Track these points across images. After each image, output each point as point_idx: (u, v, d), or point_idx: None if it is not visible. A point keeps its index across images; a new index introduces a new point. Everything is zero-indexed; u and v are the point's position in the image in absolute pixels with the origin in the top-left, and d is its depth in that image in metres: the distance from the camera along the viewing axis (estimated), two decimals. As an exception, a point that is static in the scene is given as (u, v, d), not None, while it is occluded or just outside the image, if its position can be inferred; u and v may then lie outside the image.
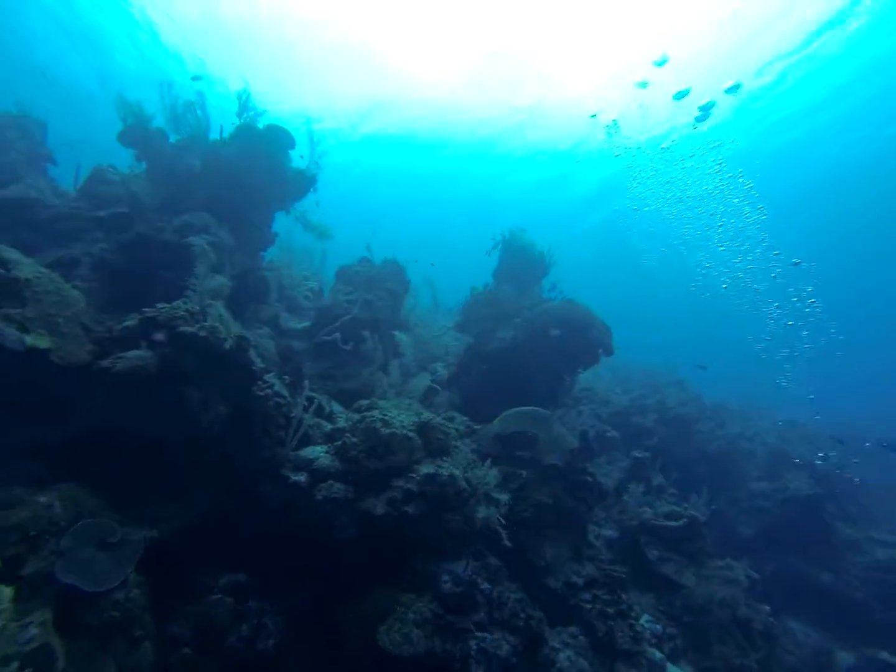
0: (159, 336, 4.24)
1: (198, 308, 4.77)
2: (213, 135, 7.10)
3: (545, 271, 9.20)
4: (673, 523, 6.91)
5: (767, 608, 6.69)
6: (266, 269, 8.10)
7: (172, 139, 7.22)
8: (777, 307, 15.06)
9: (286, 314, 9.08)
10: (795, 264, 14.14)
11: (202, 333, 4.49)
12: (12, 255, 4.42)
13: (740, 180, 14.54)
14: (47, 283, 4.34)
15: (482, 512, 4.97)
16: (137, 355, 4.17)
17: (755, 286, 15.46)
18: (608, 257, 37.32)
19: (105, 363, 4.10)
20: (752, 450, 11.35)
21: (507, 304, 8.29)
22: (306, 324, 8.21)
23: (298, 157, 7.89)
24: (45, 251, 6.29)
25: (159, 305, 4.53)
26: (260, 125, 7.27)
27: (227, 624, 4.48)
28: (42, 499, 3.81)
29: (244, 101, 7.58)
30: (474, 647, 4.67)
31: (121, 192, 6.15)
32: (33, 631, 3.23)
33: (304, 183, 7.55)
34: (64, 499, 3.88)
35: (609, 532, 7.40)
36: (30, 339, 3.87)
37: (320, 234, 8.35)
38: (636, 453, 8.33)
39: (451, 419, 6.89)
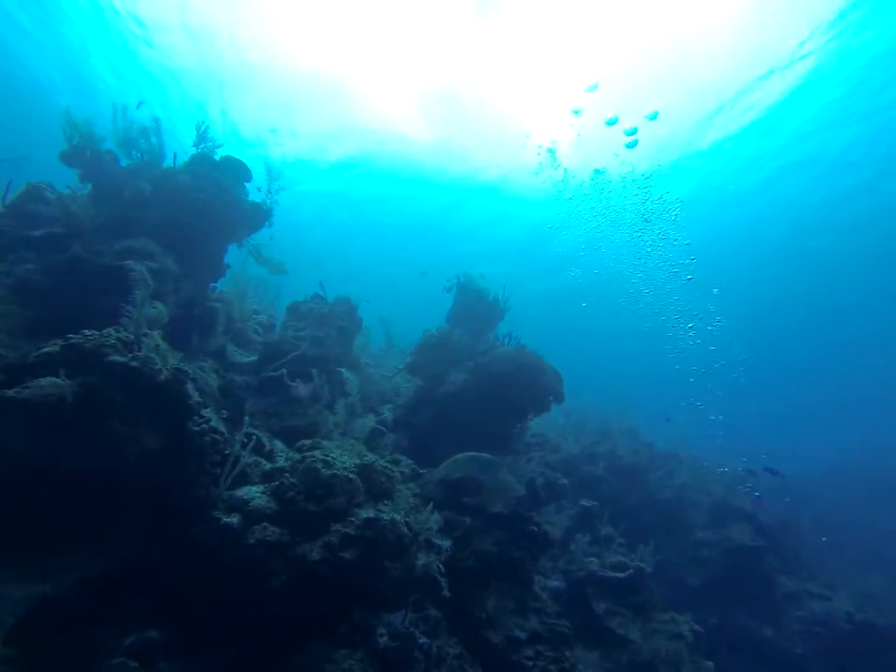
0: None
1: (132, 337, 4.53)
2: (168, 162, 6.99)
3: (500, 316, 9.33)
4: (619, 575, 6.83)
5: (711, 664, 6.60)
6: (215, 300, 7.86)
7: (124, 163, 7.05)
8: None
9: (234, 347, 8.78)
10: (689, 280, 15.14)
11: (134, 364, 4.24)
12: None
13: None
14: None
15: (422, 559, 4.76)
16: (52, 383, 3.87)
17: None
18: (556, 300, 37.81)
19: (10, 392, 3.78)
20: (698, 500, 11.53)
21: (459, 348, 8.30)
22: (253, 358, 7.95)
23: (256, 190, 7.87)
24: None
25: (87, 332, 4.28)
26: (216, 156, 7.23)
27: (129, 694, 4.02)
28: None
29: (202, 132, 7.55)
30: (410, 709, 4.40)
31: (57, 213, 5.88)
32: None
33: (259, 216, 7.48)
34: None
35: (556, 583, 7.23)
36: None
37: (273, 268, 8.23)
38: (584, 502, 8.29)
39: (397, 462, 6.72)
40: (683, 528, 10.67)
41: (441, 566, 4.94)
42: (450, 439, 7.59)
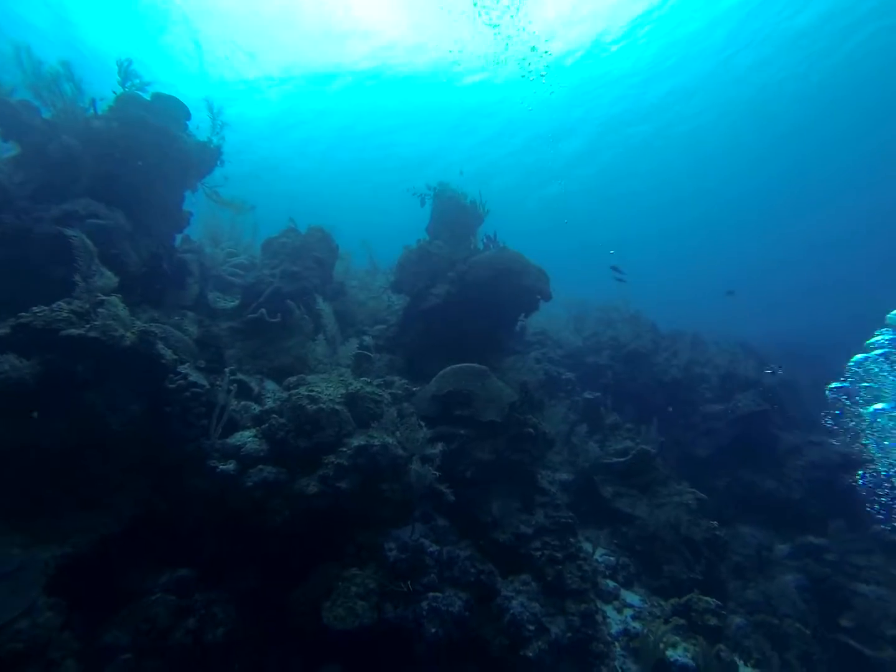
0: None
1: (87, 307, 4.40)
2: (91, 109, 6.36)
3: (479, 221, 8.90)
4: (623, 459, 7.05)
5: (714, 523, 6.98)
6: (185, 250, 7.61)
7: (45, 115, 6.45)
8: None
9: (218, 294, 8.67)
10: None
11: (92, 334, 4.16)
12: None
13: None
14: None
15: (418, 473, 4.90)
16: (11, 366, 3.82)
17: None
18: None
19: (-30, 380, 3.76)
20: (704, 374, 11.64)
21: (439, 260, 8.02)
22: (236, 302, 7.83)
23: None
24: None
25: (35, 309, 4.16)
26: (146, 95, 6.59)
27: (171, 621, 4.38)
28: None
29: (125, 69, 6.85)
30: (426, 608, 4.74)
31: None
32: None
33: (207, 156, 6.97)
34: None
35: (564, 476, 7.53)
36: None
37: (236, 208, 7.84)
38: (587, 394, 8.41)
39: (390, 384, 6.77)
40: (691, 405, 10.89)
41: (436, 474, 5.06)
42: (441, 353, 7.56)
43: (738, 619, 5.82)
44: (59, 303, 4.30)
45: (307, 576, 4.74)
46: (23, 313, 4.21)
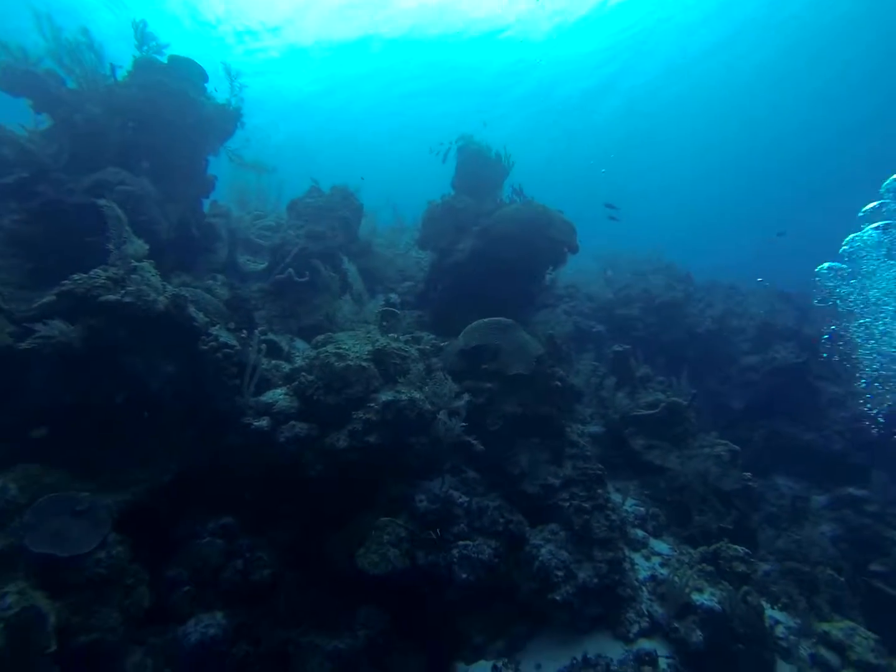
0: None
1: (121, 273, 4.57)
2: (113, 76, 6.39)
3: (504, 174, 8.64)
4: (653, 412, 7.00)
5: (748, 474, 6.92)
6: (213, 214, 7.74)
7: (69, 84, 6.52)
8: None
9: (248, 256, 8.84)
10: None
11: (127, 299, 4.34)
12: None
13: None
14: (-54, 270, 4.16)
15: (443, 425, 5.01)
16: (60, 331, 4.05)
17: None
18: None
19: (25, 345, 4.01)
20: (741, 326, 11.26)
21: (464, 214, 7.89)
22: (264, 264, 7.98)
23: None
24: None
25: (75, 277, 4.35)
26: (163, 59, 6.56)
27: (221, 561, 4.75)
28: (-4, 482, 3.89)
29: (141, 31, 6.81)
30: (457, 555, 4.95)
31: (14, 155, 5.70)
32: (9, 599, 3.41)
33: (226, 118, 6.95)
34: (19, 479, 3.96)
35: (595, 428, 7.54)
36: (-62, 332, 3.77)
37: (259, 170, 7.85)
38: (616, 347, 8.28)
39: (418, 339, 6.84)
40: (727, 357, 10.61)
41: (464, 426, 5.17)
42: (469, 308, 7.54)
43: (765, 566, 5.85)
44: (97, 270, 4.47)
45: (343, 525, 5.00)
46: (65, 281, 4.41)
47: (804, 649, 5.12)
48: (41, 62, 6.36)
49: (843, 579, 6.35)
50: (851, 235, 7.75)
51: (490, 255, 7.46)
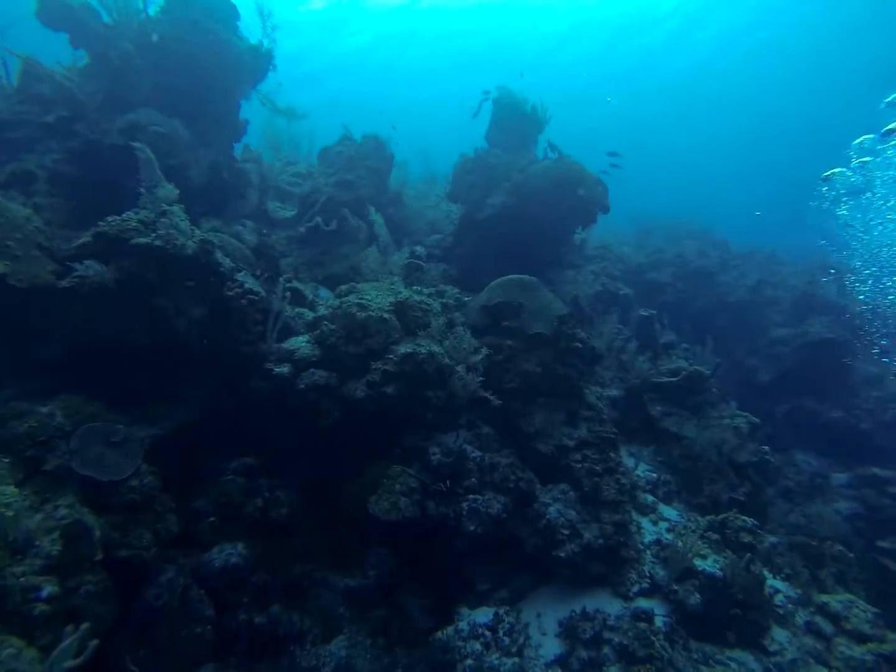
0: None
1: (152, 216, 4.67)
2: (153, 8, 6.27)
3: (539, 129, 8.30)
4: (673, 379, 6.93)
5: (766, 448, 6.87)
6: (245, 159, 7.73)
7: (105, 19, 6.45)
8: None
9: (279, 203, 8.87)
10: None
11: (157, 243, 4.45)
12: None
13: None
14: (-10, 208, 4.32)
15: (461, 379, 5.08)
16: (95, 271, 4.21)
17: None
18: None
19: (64, 283, 4.19)
20: (776, 297, 10.83)
21: (496, 169, 7.68)
22: (294, 212, 8.01)
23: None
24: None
25: (109, 219, 4.47)
26: (195, -8, 6.39)
27: (243, 498, 5.05)
28: (44, 409, 4.17)
29: (176, -38, 6.61)
30: (466, 508, 5.12)
31: (54, 94, 5.76)
32: (63, 511, 3.73)
33: (259, 61, 6.80)
34: (64, 408, 4.23)
35: (614, 392, 7.52)
36: (-17, 266, 3.96)
37: (290, 115, 7.74)
38: (642, 311, 8.13)
39: (442, 293, 6.85)
40: (757, 328, 10.28)
41: (481, 380, 5.23)
42: (496, 264, 7.48)
43: (772, 538, 5.87)
44: (129, 212, 4.58)
45: (359, 471, 5.21)
46: (100, 222, 4.54)
47: (800, 617, 5.21)
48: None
49: (852, 555, 6.36)
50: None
51: (520, 212, 7.31)
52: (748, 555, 5.02)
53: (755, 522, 5.54)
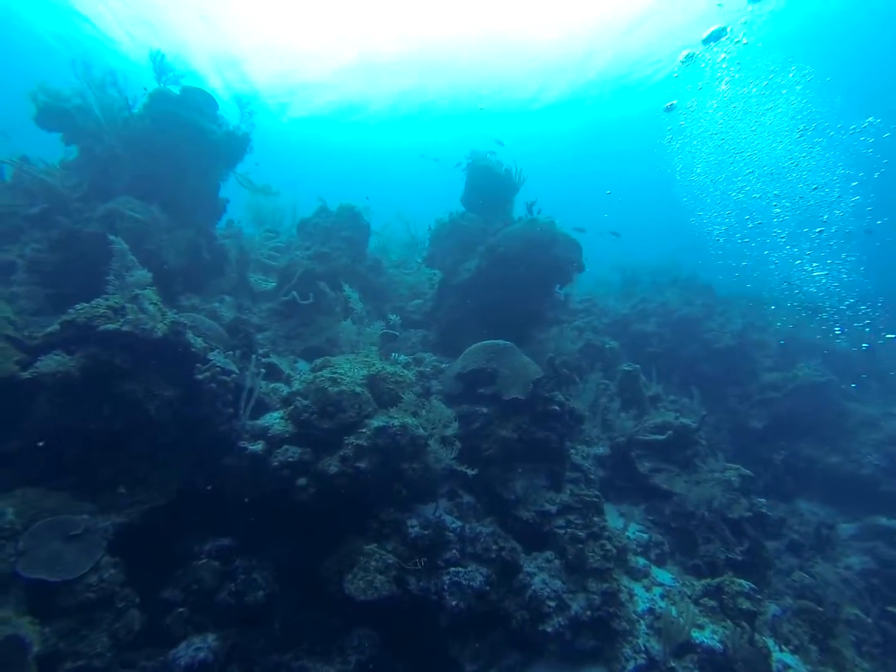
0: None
1: (122, 302, 4.75)
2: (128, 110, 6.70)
3: (514, 190, 8.57)
4: (659, 437, 6.81)
5: (762, 500, 6.65)
6: (224, 236, 7.97)
7: (94, 119, 6.88)
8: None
9: (261, 275, 9.06)
10: None
11: (125, 328, 4.50)
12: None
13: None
14: (-41, 302, 4.41)
15: (434, 452, 5.00)
16: (57, 361, 4.24)
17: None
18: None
19: (26, 374, 4.21)
20: (763, 340, 10.80)
21: (470, 232, 7.88)
22: (274, 283, 8.16)
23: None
24: (-9, 257, 6.37)
25: (78, 306, 4.55)
26: (176, 90, 6.82)
27: (216, 583, 4.84)
28: (-5, 507, 4.07)
29: (159, 64, 7.09)
30: (447, 581, 4.92)
31: (37, 188, 6.02)
32: None
33: (235, 145, 7.17)
34: (19, 504, 4.13)
35: (601, 450, 7.38)
36: (-52, 363, 4.00)
37: (265, 193, 8.06)
38: (625, 366, 8.09)
39: (420, 361, 6.86)
40: (747, 374, 10.20)
41: (453, 456, 5.15)
42: (476, 327, 7.55)
43: (774, 607, 5.54)
44: (98, 300, 4.66)
45: (336, 548, 5.04)
46: (69, 310, 4.62)
47: None
48: (71, 100, 6.72)
49: (870, 620, 6.01)
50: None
51: (495, 274, 7.43)
52: (749, 628, 4.76)
53: (752, 586, 5.28)
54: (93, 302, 4.62)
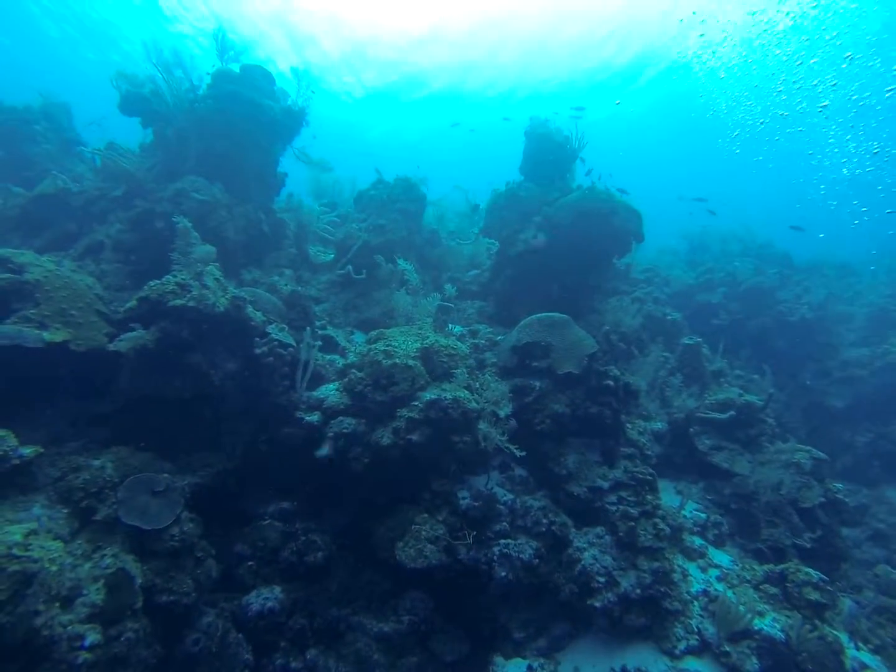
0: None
1: (188, 278, 5.04)
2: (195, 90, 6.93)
3: (572, 158, 8.18)
4: (720, 416, 6.49)
5: (839, 485, 6.23)
6: (284, 210, 8.20)
7: (166, 101, 7.18)
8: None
9: (320, 247, 9.29)
10: None
11: (191, 304, 4.79)
12: (26, 258, 4.95)
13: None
14: (55, 281, 4.84)
15: (483, 433, 5.04)
16: (136, 335, 4.59)
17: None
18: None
19: (112, 346, 4.59)
20: (848, 312, 9.87)
21: (527, 203, 7.66)
22: (332, 255, 8.35)
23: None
24: (83, 237, 6.95)
25: (151, 283, 4.88)
26: (236, 68, 6.98)
27: (280, 542, 5.22)
28: (96, 462, 4.55)
29: (221, 41, 7.27)
30: (497, 553, 5.03)
31: (118, 173, 6.43)
32: (108, 560, 4.02)
33: (292, 120, 7.28)
34: (114, 460, 4.60)
35: (659, 425, 7.15)
36: (47, 335, 4.43)
37: (322, 168, 8.17)
38: (686, 339, 7.70)
39: (475, 333, 6.85)
40: (826, 349, 9.40)
41: (503, 432, 5.16)
42: (531, 298, 7.44)
43: (848, 602, 5.18)
44: (168, 276, 4.98)
45: (390, 514, 5.26)
46: (144, 287, 4.97)
47: None
48: (146, 85, 7.05)
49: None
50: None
51: (552, 245, 7.22)
52: (819, 621, 4.53)
53: (822, 577, 5.00)
54: (163, 279, 4.94)
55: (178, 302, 4.73)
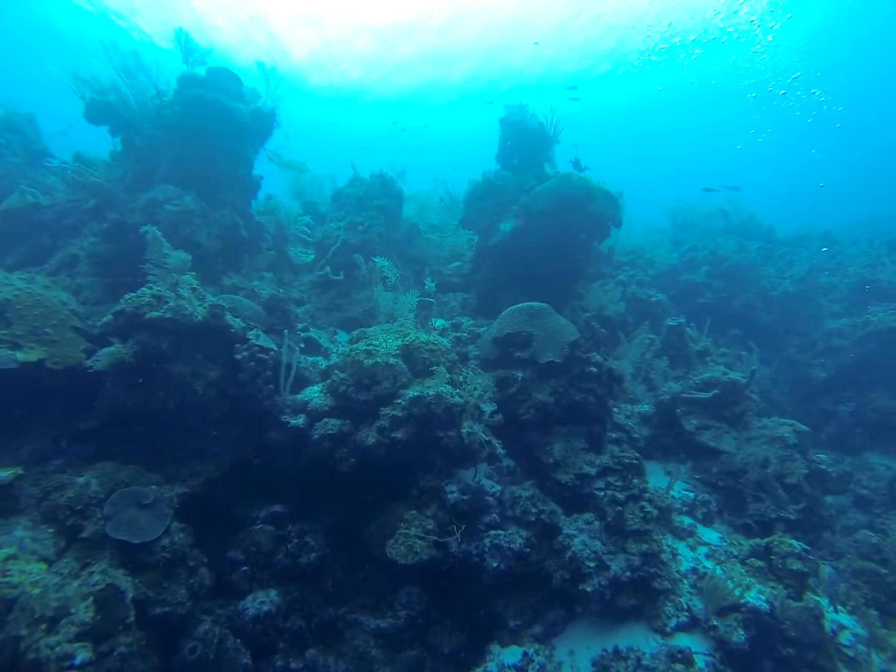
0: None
1: (164, 289, 5.01)
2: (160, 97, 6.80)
3: (549, 144, 8.11)
4: (704, 395, 6.54)
5: (822, 456, 6.33)
6: (261, 212, 8.13)
7: (133, 108, 7.05)
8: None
9: (301, 248, 9.25)
10: None
11: (168, 315, 4.77)
12: (-5, 277, 4.91)
13: None
14: (26, 299, 4.80)
15: (467, 431, 5.06)
16: (113, 350, 4.57)
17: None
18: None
19: (89, 363, 4.57)
20: (831, 284, 9.92)
21: (504, 192, 7.62)
22: (313, 255, 8.31)
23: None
24: (57, 251, 6.87)
25: (126, 296, 4.85)
26: (202, 71, 6.85)
27: (273, 546, 5.25)
28: (80, 479, 4.54)
29: (184, 44, 7.14)
30: (488, 544, 5.08)
31: (87, 185, 6.34)
32: (97, 576, 4.03)
33: (262, 121, 7.17)
34: (99, 476, 4.60)
35: (646, 407, 7.22)
36: (21, 355, 4.41)
37: (296, 169, 8.08)
38: (670, 321, 7.74)
39: (458, 326, 6.85)
40: (810, 321, 9.47)
41: (484, 432, 5.19)
42: (513, 288, 7.44)
43: (827, 568, 5.31)
44: (143, 289, 4.95)
45: (379, 514, 5.30)
46: (120, 300, 4.94)
47: (880, 663, 4.68)
48: (110, 92, 6.89)
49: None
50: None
51: (531, 234, 7.21)
52: (797, 586, 4.64)
53: (805, 547, 5.10)
54: (139, 291, 4.91)
55: (155, 314, 4.71)
